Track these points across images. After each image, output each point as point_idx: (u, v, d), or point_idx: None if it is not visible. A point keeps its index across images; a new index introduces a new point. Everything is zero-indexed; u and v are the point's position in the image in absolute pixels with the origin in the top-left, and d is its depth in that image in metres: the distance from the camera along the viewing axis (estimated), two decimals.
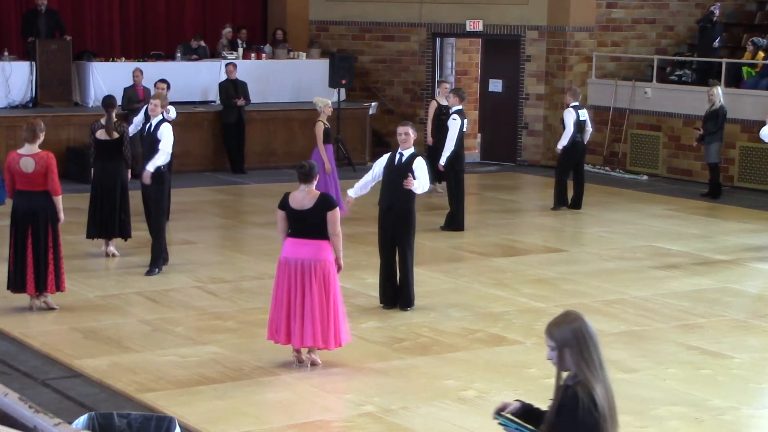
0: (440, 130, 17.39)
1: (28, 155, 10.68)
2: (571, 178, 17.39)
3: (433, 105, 18.08)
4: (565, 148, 17.13)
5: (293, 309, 9.23)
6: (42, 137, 10.80)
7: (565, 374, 4.75)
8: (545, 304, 11.73)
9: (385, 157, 11.49)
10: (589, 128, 17.50)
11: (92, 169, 13.31)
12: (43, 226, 10.77)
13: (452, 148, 15.32)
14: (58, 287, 10.95)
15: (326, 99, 16.52)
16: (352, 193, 11.48)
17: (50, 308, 11.02)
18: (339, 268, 9.40)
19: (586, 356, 4.73)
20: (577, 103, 17.41)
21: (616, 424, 4.73)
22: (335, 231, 9.30)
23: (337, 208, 9.45)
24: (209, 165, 20.46)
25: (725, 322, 11.18)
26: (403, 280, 11.38)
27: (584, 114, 17.41)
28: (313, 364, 9.45)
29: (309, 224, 9.26)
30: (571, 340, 4.76)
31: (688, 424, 8.42)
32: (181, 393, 8.62)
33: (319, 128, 15.57)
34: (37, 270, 10.80)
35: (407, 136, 11.30)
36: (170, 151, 12.61)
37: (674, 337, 10.64)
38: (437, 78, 22.35)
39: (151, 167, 12.40)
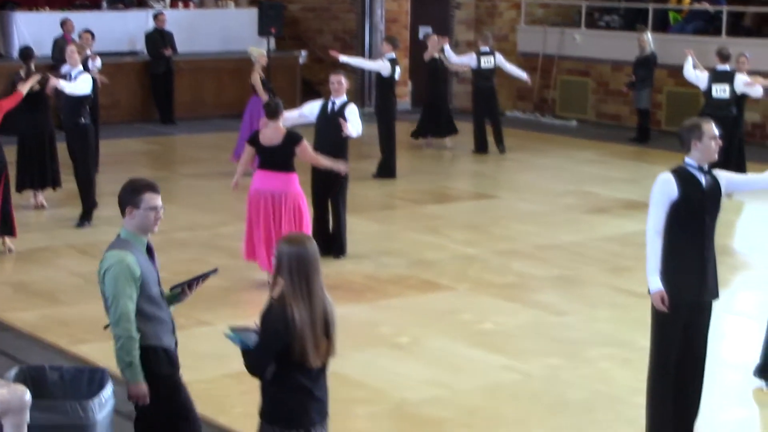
0: (436, 85, 17.47)
1: None
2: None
3: (427, 57, 17.77)
4: (473, 94, 17.59)
5: (270, 235, 9.91)
6: None
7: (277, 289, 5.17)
8: (477, 250, 11.81)
9: (318, 104, 11.43)
10: (511, 73, 17.94)
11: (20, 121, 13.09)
12: None
13: (374, 69, 15.70)
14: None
15: (261, 49, 16.39)
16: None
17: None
18: (345, 169, 10.63)
19: (294, 278, 5.13)
20: (486, 48, 17.51)
21: (322, 348, 5.23)
22: (312, 158, 10.31)
23: (304, 140, 10.14)
24: (138, 116, 20.24)
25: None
26: (335, 229, 11.39)
27: (489, 61, 17.49)
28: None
29: (278, 158, 10.00)
30: (283, 262, 5.14)
31: (618, 364, 8.56)
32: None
33: (257, 78, 15.45)
34: None
35: (340, 84, 11.26)
36: (77, 93, 12.30)
37: (604, 281, 10.78)
38: (375, 28, 22.22)
39: (60, 84, 12.13)
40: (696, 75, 15.00)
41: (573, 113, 21.38)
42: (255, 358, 5.27)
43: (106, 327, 5.77)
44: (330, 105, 11.31)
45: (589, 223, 13.21)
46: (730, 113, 14.35)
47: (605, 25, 21.53)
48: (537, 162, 17.11)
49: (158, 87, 20.15)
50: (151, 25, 20.30)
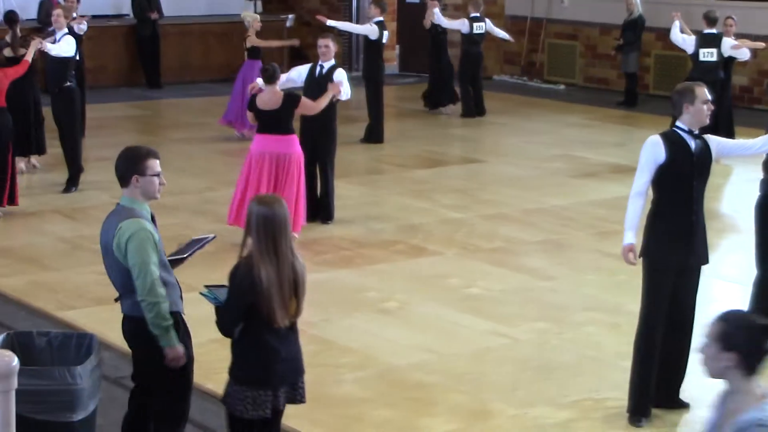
0: (438, 53, 17.42)
1: None
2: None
3: (427, 24, 17.69)
4: (461, 59, 17.51)
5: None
6: None
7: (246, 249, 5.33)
8: (465, 215, 11.82)
9: (306, 68, 11.38)
10: (498, 35, 17.97)
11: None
12: None
13: (361, 33, 15.74)
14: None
15: (254, 14, 16.31)
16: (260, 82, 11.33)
17: None
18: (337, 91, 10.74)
19: (261, 239, 5.25)
20: (477, 14, 17.47)
21: (290, 308, 5.33)
22: (313, 107, 10.46)
23: (303, 98, 10.37)
24: (124, 80, 20.15)
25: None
26: (323, 194, 11.38)
27: (480, 27, 17.49)
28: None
29: (277, 121, 10.19)
30: (252, 221, 5.29)
31: (605, 328, 8.59)
32: (102, 310, 8.56)
33: (255, 41, 15.39)
34: None
35: (327, 48, 11.23)
36: (62, 55, 12.21)
37: (591, 245, 10.80)
38: None
39: (47, 46, 12.05)
40: (683, 39, 14.96)
41: (561, 77, 21.35)
42: (223, 317, 5.37)
43: (116, 299, 5.74)
44: (318, 69, 11.27)
45: (576, 187, 13.22)
46: (718, 77, 14.33)
47: None
48: (524, 126, 17.09)
49: (145, 51, 20.04)
50: None
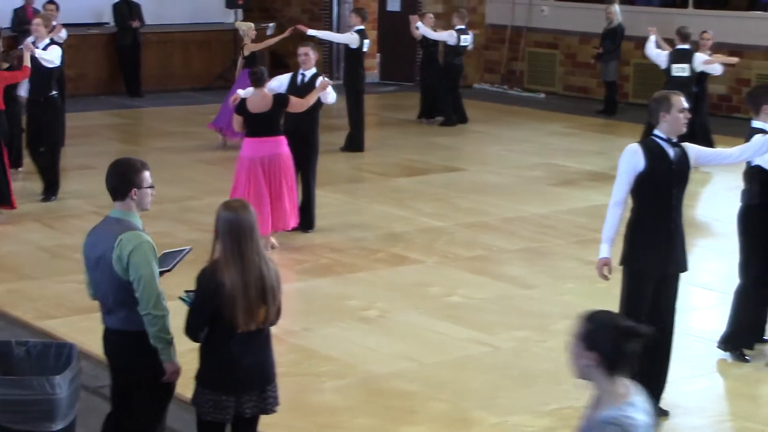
0: (430, 64, 17.46)
1: None
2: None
3: (417, 36, 17.66)
4: (445, 69, 17.51)
5: (265, 200, 10.29)
6: None
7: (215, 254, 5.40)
8: (445, 223, 11.84)
9: (287, 77, 11.38)
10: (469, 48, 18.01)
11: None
12: None
13: (342, 42, 15.64)
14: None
15: (249, 23, 16.30)
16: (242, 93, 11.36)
17: None
18: (325, 87, 10.75)
19: (226, 243, 5.32)
20: (463, 27, 17.55)
21: (257, 314, 5.34)
22: (303, 103, 10.54)
23: (291, 97, 10.57)
24: (105, 88, 20.11)
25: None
26: (305, 203, 11.37)
27: (466, 40, 17.58)
28: (273, 246, 10.52)
29: (268, 124, 10.33)
30: (218, 226, 5.36)
31: None
32: (82, 319, 8.54)
33: (252, 47, 15.41)
34: None
35: (307, 56, 11.26)
36: (55, 63, 12.20)
37: (571, 253, 10.83)
38: (344, 0, 22.12)
39: (38, 53, 12.01)
40: (657, 53, 15.06)
41: (541, 86, 21.41)
42: (188, 321, 5.40)
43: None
44: (300, 77, 11.29)
45: (556, 195, 13.26)
46: (691, 91, 14.39)
47: None
48: (505, 135, 17.13)
49: (125, 59, 20.00)
50: None
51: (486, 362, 8.14)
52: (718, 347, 8.22)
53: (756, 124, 7.91)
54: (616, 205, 6.83)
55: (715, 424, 7.23)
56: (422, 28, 17.27)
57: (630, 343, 3.98)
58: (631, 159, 6.77)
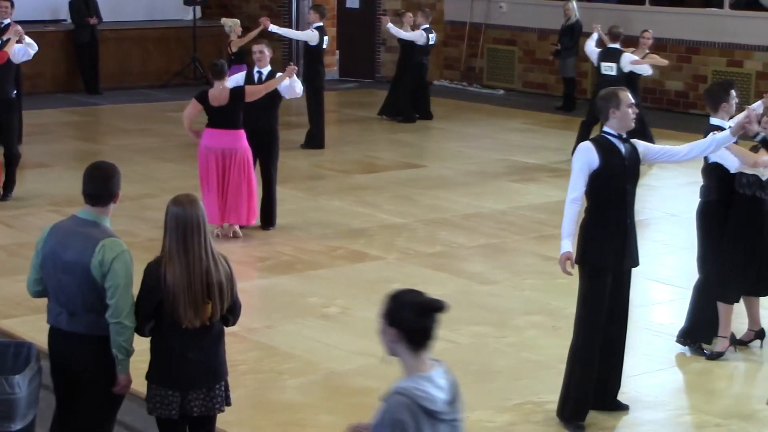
0: (407, 63, 17.44)
1: None
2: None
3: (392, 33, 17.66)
4: (412, 67, 17.49)
5: (221, 191, 10.56)
6: None
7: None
8: (406, 220, 11.86)
9: (242, 75, 11.37)
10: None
11: None
12: None
13: (302, 39, 15.51)
14: None
15: (234, 19, 16.22)
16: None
17: None
18: (292, 73, 10.88)
19: (172, 238, 5.35)
20: (428, 25, 17.61)
21: (202, 310, 5.33)
22: (260, 89, 10.65)
23: (246, 87, 10.68)
24: (62, 86, 19.95)
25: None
26: (266, 200, 11.36)
27: (433, 38, 17.69)
28: (235, 235, 10.91)
29: (226, 117, 10.48)
30: (167, 220, 5.39)
31: (546, 332, 8.65)
32: (41, 319, 8.40)
33: (239, 42, 15.35)
34: None
35: (262, 54, 11.27)
36: (29, 57, 12.28)
37: (531, 249, 10.88)
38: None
39: (27, 39, 12.11)
40: (591, 50, 15.27)
41: (500, 82, 21.48)
42: (135, 314, 5.42)
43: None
44: (256, 75, 11.29)
45: (515, 191, 13.31)
46: None
47: None
48: (464, 131, 17.18)
49: (83, 56, 19.86)
50: None
51: (446, 358, 8.06)
52: (677, 341, 8.29)
53: (714, 121, 7.97)
54: (573, 202, 6.85)
55: (674, 418, 7.29)
56: (393, 29, 17.24)
57: (429, 318, 4.16)
58: (586, 156, 6.80)
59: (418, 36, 17.53)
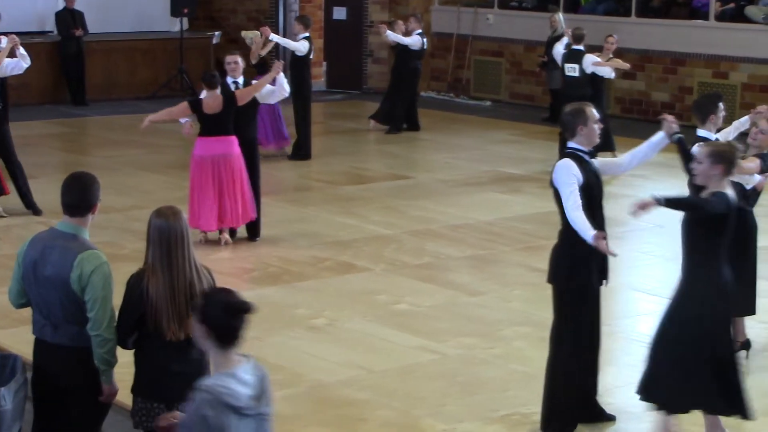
0: (402, 70, 17.48)
1: None
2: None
3: (390, 43, 17.79)
4: (408, 74, 17.51)
5: (215, 197, 10.78)
6: None
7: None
8: (393, 231, 11.86)
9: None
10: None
11: None
12: None
13: (295, 49, 15.34)
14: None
15: (254, 31, 16.21)
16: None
17: None
18: (279, 70, 11.15)
19: (155, 251, 5.34)
20: (420, 30, 17.71)
21: (186, 322, 5.30)
22: (250, 91, 10.90)
23: (236, 92, 10.92)
24: (49, 97, 19.93)
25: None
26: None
27: (426, 43, 17.84)
28: (227, 242, 11.09)
29: (219, 124, 10.73)
30: (150, 232, 5.37)
31: (533, 343, 8.65)
32: (27, 330, 8.41)
33: (259, 52, 15.37)
34: None
35: (237, 64, 11.52)
36: (21, 71, 12.27)
37: (519, 260, 10.89)
38: (289, 8, 22.09)
39: (21, 50, 12.11)
40: (557, 52, 15.60)
41: (487, 93, 21.52)
42: (117, 327, 5.43)
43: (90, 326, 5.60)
44: (233, 85, 11.41)
45: (503, 202, 13.33)
46: (585, 93, 14.54)
47: (518, 6, 21.67)
48: (451, 142, 17.20)
49: (69, 68, 19.84)
50: (61, 4, 19.97)
51: (434, 370, 8.17)
52: None
53: (701, 133, 7.98)
54: (579, 209, 6.64)
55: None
56: (392, 35, 17.39)
57: (237, 318, 4.40)
58: (572, 170, 6.72)
59: (416, 41, 17.62)
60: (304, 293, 9.81)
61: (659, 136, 7.23)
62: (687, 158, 7.05)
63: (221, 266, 10.38)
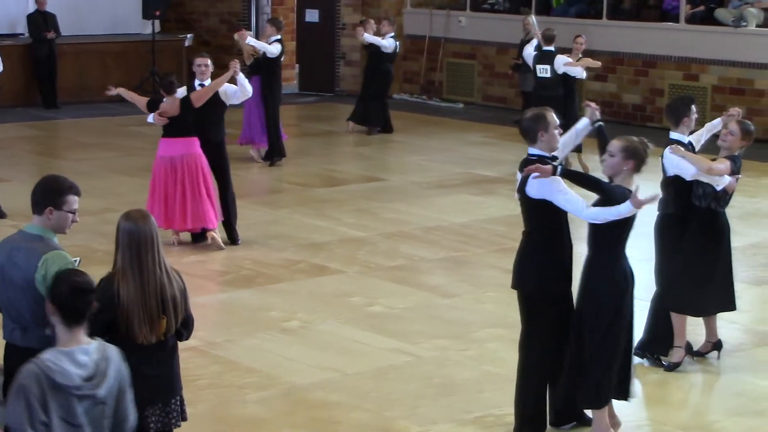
0: (373, 74, 17.49)
1: None
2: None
3: (364, 42, 17.74)
4: (382, 75, 17.61)
5: (172, 198, 10.87)
6: None
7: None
8: (367, 233, 11.87)
9: (182, 90, 11.29)
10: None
11: None
12: None
13: (268, 51, 15.19)
14: None
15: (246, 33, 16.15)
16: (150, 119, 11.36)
17: None
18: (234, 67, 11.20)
19: (125, 254, 5.38)
20: (393, 33, 17.72)
21: (157, 326, 5.37)
22: (207, 91, 10.97)
23: (191, 94, 10.99)
24: (20, 100, 19.81)
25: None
26: (225, 216, 11.29)
27: (398, 46, 17.88)
28: (180, 243, 11.17)
29: (178, 126, 10.90)
30: (119, 235, 5.41)
31: (507, 345, 8.66)
32: None
33: (249, 55, 15.33)
34: None
35: (207, 67, 11.43)
36: None
37: (492, 262, 10.91)
38: (261, 11, 22.08)
39: None
40: (528, 53, 15.67)
41: (460, 96, 21.56)
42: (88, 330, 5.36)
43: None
44: (199, 87, 11.32)
45: (476, 204, 13.36)
46: (557, 93, 14.63)
47: (490, 8, 21.72)
48: (424, 144, 17.22)
49: (41, 70, 19.74)
50: (32, 6, 19.86)
51: (408, 371, 8.18)
52: (635, 354, 8.32)
53: (674, 135, 8.04)
54: (588, 206, 6.56)
55: (633, 429, 7.33)
56: (369, 37, 17.39)
57: (82, 298, 4.81)
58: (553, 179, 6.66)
59: (390, 42, 17.62)
60: (277, 296, 9.81)
61: (584, 123, 7.32)
62: (604, 147, 7.04)
63: (194, 269, 10.36)
